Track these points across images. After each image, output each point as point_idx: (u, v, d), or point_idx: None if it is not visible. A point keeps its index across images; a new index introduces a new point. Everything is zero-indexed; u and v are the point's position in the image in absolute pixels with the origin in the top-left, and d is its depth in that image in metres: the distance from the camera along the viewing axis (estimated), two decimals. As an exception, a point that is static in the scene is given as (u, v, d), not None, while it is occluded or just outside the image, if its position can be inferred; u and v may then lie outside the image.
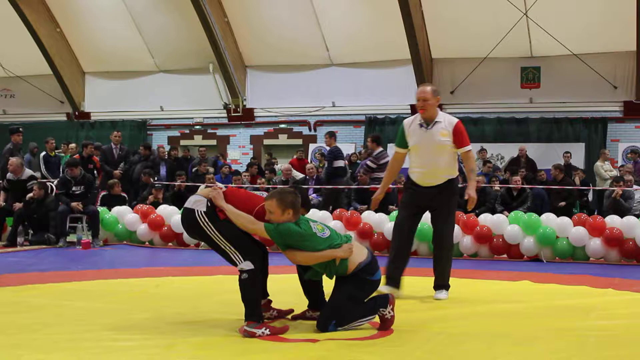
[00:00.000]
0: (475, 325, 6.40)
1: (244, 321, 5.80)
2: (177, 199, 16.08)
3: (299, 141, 23.32)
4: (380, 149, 15.82)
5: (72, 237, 14.15)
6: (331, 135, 17.13)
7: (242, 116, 23.96)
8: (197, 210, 6.04)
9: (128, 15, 23.42)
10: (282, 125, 23.73)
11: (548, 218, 12.49)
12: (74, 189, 14.38)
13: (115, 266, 10.98)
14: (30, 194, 14.29)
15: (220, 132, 24.35)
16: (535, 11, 19.48)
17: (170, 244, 14.18)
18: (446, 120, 7.79)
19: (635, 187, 15.06)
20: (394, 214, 11.53)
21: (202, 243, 13.68)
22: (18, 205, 14.35)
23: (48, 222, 14.16)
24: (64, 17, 24.28)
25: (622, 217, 12.56)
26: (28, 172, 15.31)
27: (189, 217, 6.14)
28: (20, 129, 17.91)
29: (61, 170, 16.98)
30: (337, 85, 22.87)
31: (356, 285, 6.02)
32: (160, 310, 6.98)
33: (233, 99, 23.78)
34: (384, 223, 12.81)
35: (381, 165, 15.12)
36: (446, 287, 7.89)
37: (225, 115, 24.22)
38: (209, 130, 24.54)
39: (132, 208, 14.86)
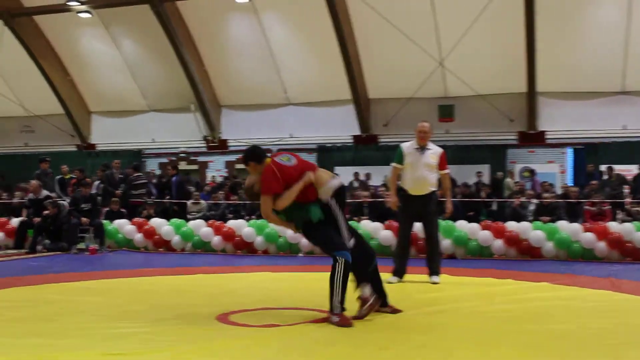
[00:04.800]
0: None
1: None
2: (165, 213, 16.01)
3: (264, 165, 23.25)
4: (138, 173, 17.22)
5: (81, 245, 14.00)
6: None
7: (218, 146, 23.88)
8: None
9: (125, 66, 23.33)
10: (250, 153, 23.60)
11: (461, 224, 12.65)
12: (82, 205, 14.29)
13: (117, 268, 10.86)
14: (47, 211, 14.16)
15: (200, 158, 24.20)
16: (449, 61, 19.71)
17: (161, 249, 14.07)
18: (434, 148, 8.24)
19: (529, 199, 15.21)
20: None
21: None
22: (37, 220, 14.24)
23: (62, 233, 14.05)
24: (74, 68, 24.09)
25: (519, 222, 12.76)
26: (44, 192, 15.20)
27: None
28: (48, 159, 17.69)
29: (68, 190, 16.87)
30: (294, 120, 22.87)
31: None
32: (153, 303, 6.92)
33: (211, 132, 23.70)
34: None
35: (135, 185, 16.74)
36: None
37: (205, 145, 24.10)
38: (192, 157, 24.42)
39: (130, 220, 14.75)
